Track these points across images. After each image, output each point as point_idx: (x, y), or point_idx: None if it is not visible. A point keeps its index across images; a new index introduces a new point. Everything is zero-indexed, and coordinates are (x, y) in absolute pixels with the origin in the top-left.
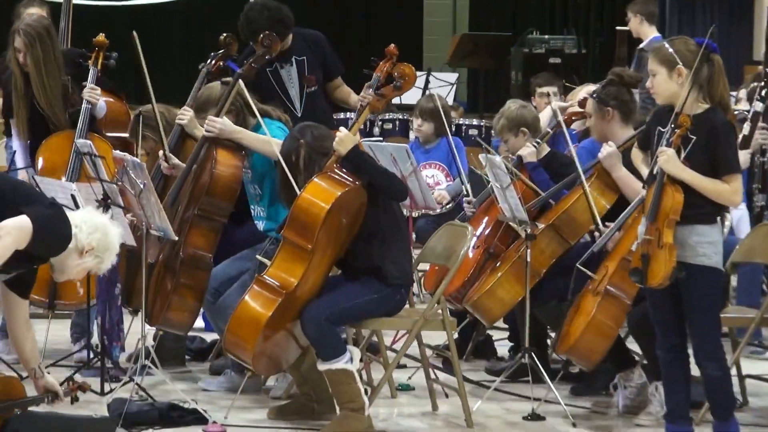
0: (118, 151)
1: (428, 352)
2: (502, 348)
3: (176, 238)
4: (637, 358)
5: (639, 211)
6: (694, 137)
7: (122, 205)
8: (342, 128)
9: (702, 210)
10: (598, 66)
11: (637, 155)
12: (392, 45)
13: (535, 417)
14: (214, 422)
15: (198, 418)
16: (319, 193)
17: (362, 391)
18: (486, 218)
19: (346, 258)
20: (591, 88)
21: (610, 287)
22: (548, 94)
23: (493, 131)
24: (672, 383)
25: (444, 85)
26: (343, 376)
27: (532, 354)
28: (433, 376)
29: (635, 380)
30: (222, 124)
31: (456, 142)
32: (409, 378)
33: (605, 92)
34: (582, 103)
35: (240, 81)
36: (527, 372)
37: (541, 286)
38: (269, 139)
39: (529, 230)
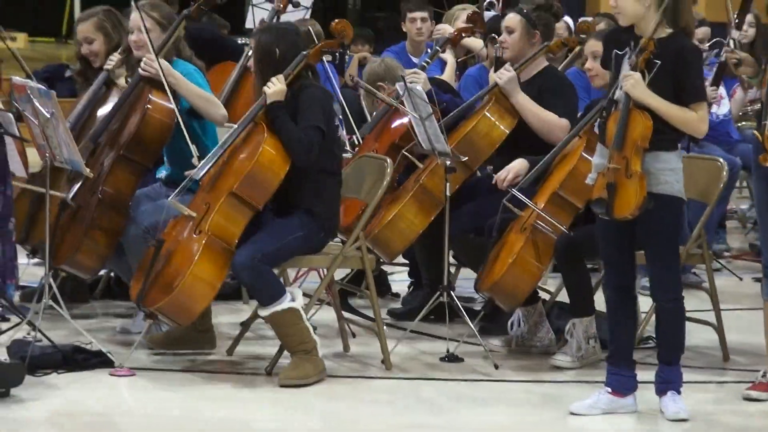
0: (18, 78)
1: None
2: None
3: (87, 172)
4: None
5: (576, 143)
6: (659, 62)
7: (17, 134)
8: (279, 77)
9: (665, 136)
10: None
11: None
12: None
13: (452, 358)
14: (121, 366)
15: (103, 360)
16: (280, 153)
17: (311, 329)
18: (376, 146)
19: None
20: (467, 7)
21: (539, 223)
22: (419, 19)
23: None
24: (618, 325)
25: (294, 11)
26: (290, 316)
27: (452, 293)
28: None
29: (533, 317)
30: (161, 65)
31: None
32: (309, 318)
33: (536, 15)
34: (473, 18)
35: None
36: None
37: (451, 218)
38: (209, 97)
39: (449, 162)
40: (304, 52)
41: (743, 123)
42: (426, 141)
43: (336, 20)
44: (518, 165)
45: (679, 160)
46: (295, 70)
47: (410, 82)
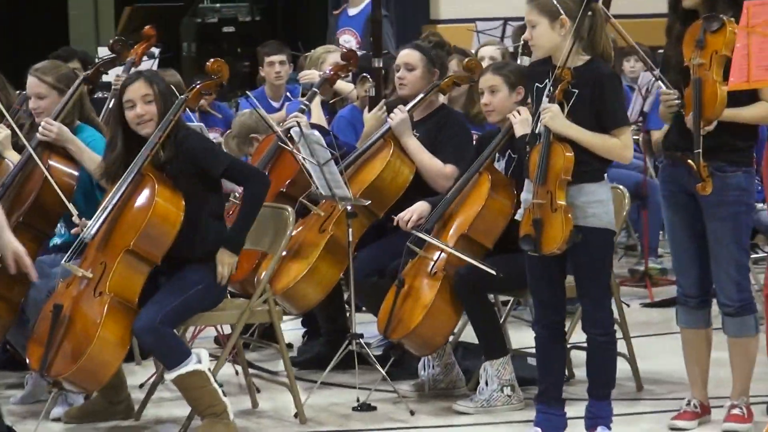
0: None
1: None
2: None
3: None
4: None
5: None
6: (576, 90)
7: None
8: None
9: (589, 167)
10: (280, 33)
11: None
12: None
13: (365, 407)
14: None
15: None
16: (174, 203)
17: (219, 392)
18: None
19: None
20: (332, 50)
21: (450, 266)
22: (278, 63)
23: None
24: (547, 362)
25: (147, 61)
26: (196, 378)
27: (361, 341)
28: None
29: (444, 359)
30: (59, 128)
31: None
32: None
33: (435, 53)
34: (348, 56)
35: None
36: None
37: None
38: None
39: (350, 207)
40: (183, 96)
41: None
42: (325, 187)
43: (212, 60)
44: (420, 207)
45: (606, 190)
46: (175, 115)
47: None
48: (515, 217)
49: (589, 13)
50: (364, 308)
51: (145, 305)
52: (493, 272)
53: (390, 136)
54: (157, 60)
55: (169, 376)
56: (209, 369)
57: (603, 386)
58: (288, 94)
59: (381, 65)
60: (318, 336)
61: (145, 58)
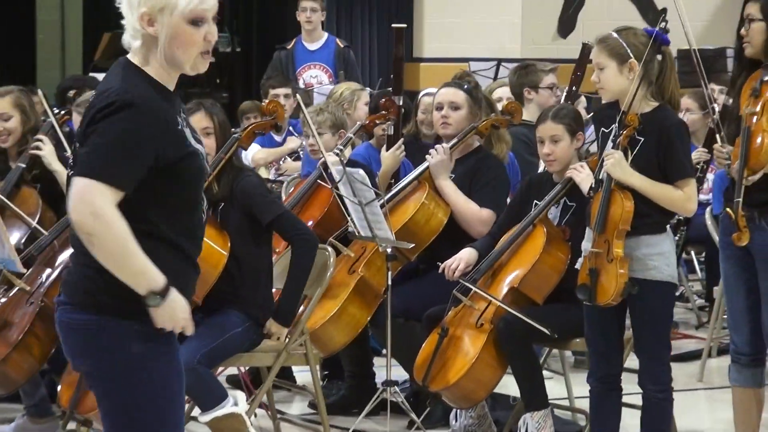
0: None
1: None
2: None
3: (24, 271)
4: None
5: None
6: (642, 138)
7: None
8: None
9: (650, 219)
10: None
11: None
12: None
13: None
14: None
15: None
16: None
17: None
18: None
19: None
20: (355, 87)
21: (498, 320)
22: (283, 96)
23: None
24: (602, 418)
25: None
26: (233, 422)
27: (396, 388)
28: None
29: (477, 410)
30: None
31: None
32: None
33: (477, 95)
34: (387, 104)
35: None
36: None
37: (382, 305)
38: None
39: (390, 250)
40: (236, 135)
41: None
42: (365, 228)
43: (267, 100)
44: (468, 254)
45: (669, 242)
46: (227, 153)
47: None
48: (575, 267)
49: (659, 57)
50: (383, 351)
51: (183, 343)
52: (547, 332)
53: (425, 178)
54: None
55: (204, 418)
56: (246, 413)
57: None
58: (291, 128)
59: (401, 103)
60: (338, 378)
61: None
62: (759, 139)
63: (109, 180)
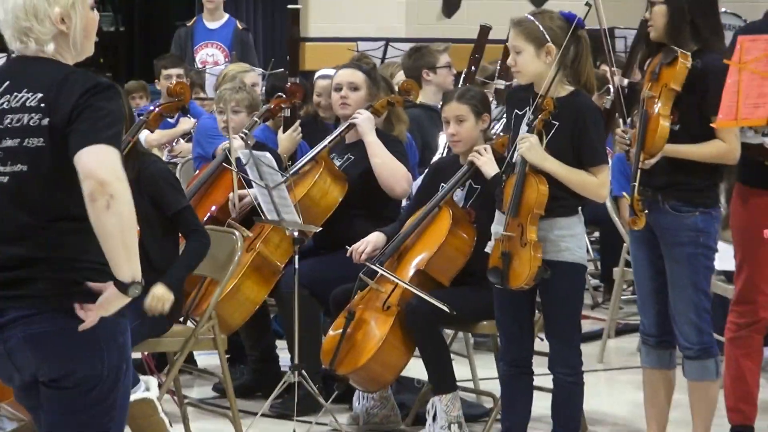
0: None
1: None
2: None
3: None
4: None
5: (438, 215)
6: (557, 123)
7: None
8: None
9: (564, 201)
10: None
11: None
12: None
13: None
14: None
15: None
16: None
17: (167, 422)
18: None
19: None
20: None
21: (405, 303)
22: (175, 76)
23: None
24: (512, 401)
25: None
26: (144, 407)
27: (304, 372)
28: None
29: (380, 392)
30: None
31: None
32: None
33: (375, 75)
34: (293, 89)
35: None
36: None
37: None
38: None
39: (297, 233)
40: (143, 118)
41: None
42: (272, 211)
43: (174, 82)
44: (375, 238)
45: (579, 225)
46: (134, 137)
47: None
48: (485, 250)
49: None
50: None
51: None
52: (446, 309)
53: (322, 157)
54: None
55: None
56: (157, 398)
57: (568, 427)
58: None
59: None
60: (241, 362)
61: None
62: (656, 123)
63: (119, 149)
